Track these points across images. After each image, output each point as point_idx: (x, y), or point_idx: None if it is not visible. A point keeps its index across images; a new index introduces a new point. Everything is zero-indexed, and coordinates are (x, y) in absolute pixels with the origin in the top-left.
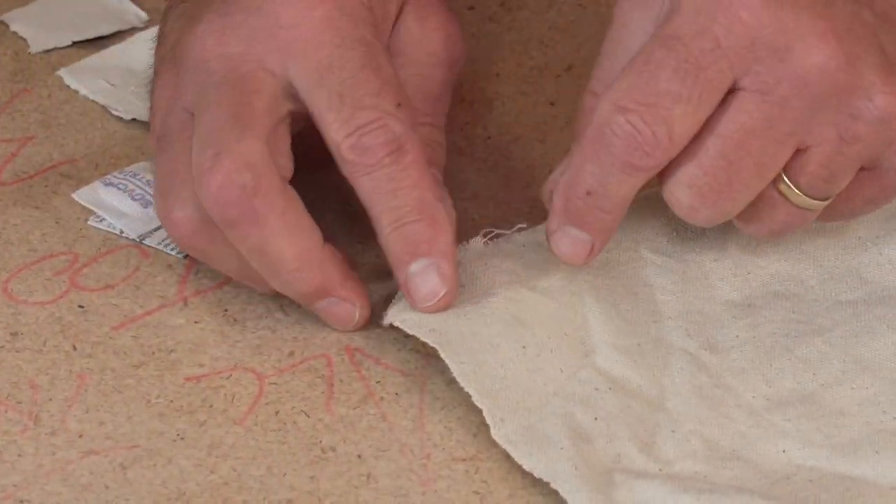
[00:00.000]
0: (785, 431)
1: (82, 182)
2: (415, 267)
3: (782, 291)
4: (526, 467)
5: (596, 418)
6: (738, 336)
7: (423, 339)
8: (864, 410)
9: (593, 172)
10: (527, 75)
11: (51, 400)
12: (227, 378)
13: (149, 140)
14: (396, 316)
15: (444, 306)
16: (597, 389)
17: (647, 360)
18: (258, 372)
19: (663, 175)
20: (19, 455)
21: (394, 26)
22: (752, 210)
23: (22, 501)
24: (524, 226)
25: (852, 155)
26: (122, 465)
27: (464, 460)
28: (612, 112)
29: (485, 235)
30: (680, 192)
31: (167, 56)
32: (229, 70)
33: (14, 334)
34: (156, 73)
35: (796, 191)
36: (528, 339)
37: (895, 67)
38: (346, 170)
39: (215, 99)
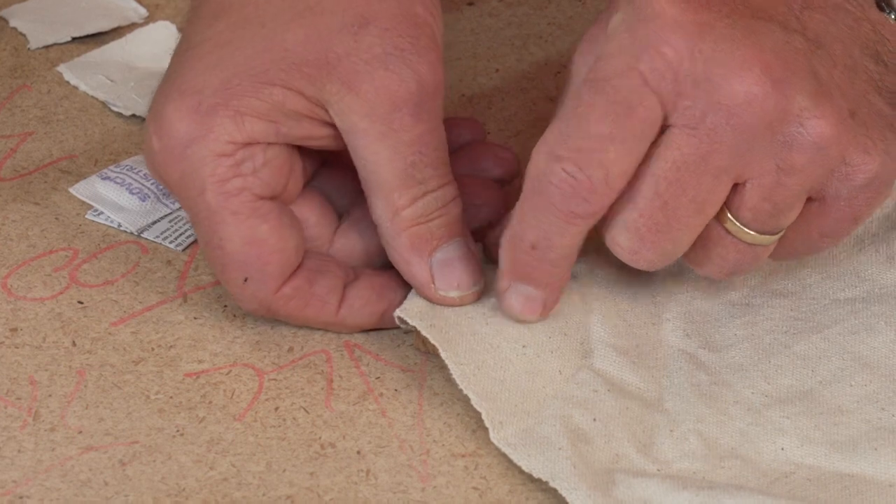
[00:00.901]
0: (783, 429)
1: (81, 178)
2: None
3: (780, 290)
4: (525, 468)
5: (594, 419)
6: (736, 334)
7: (423, 333)
8: (863, 408)
9: (535, 225)
10: (526, 71)
11: (50, 396)
12: (227, 374)
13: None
14: (400, 308)
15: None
16: (595, 391)
17: (645, 361)
18: (257, 368)
19: (602, 220)
20: (19, 451)
21: (334, 109)
22: (702, 250)
23: (21, 497)
24: None
25: (793, 185)
26: (122, 461)
27: (463, 456)
28: (547, 161)
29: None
30: (619, 237)
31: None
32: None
33: (13, 330)
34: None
35: (742, 227)
36: (528, 339)
37: (829, 92)
38: None
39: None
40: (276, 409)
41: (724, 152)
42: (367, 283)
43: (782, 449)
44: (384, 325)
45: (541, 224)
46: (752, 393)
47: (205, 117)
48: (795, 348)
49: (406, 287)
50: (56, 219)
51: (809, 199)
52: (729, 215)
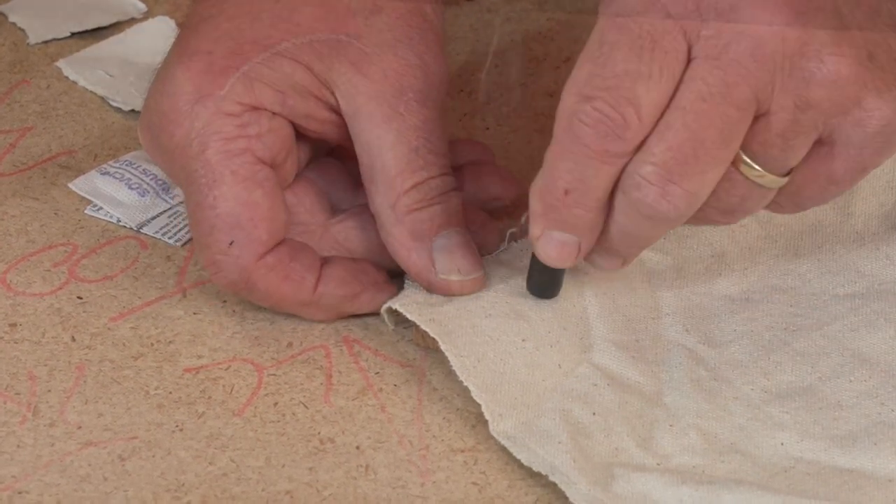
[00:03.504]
0: (783, 424)
1: (81, 173)
2: None
3: (780, 285)
4: (524, 462)
5: (594, 413)
6: (735, 330)
7: (423, 326)
8: (863, 403)
9: (569, 169)
10: (526, 67)
11: (49, 391)
12: (226, 369)
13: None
14: (397, 301)
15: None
16: (595, 385)
17: (645, 356)
18: (257, 363)
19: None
20: (18, 446)
21: (340, 91)
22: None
23: (20, 492)
24: (514, 230)
25: (807, 122)
26: (121, 457)
27: (462, 451)
28: (577, 102)
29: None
30: (649, 174)
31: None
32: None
33: (13, 325)
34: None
35: (751, 162)
36: (527, 333)
37: (850, 30)
38: None
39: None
40: (276, 404)
41: (746, 84)
42: (341, 266)
43: (782, 444)
44: (357, 311)
45: (575, 167)
46: (752, 389)
47: (216, 77)
48: (795, 345)
49: (378, 271)
50: (55, 214)
51: (819, 143)
52: (740, 151)
